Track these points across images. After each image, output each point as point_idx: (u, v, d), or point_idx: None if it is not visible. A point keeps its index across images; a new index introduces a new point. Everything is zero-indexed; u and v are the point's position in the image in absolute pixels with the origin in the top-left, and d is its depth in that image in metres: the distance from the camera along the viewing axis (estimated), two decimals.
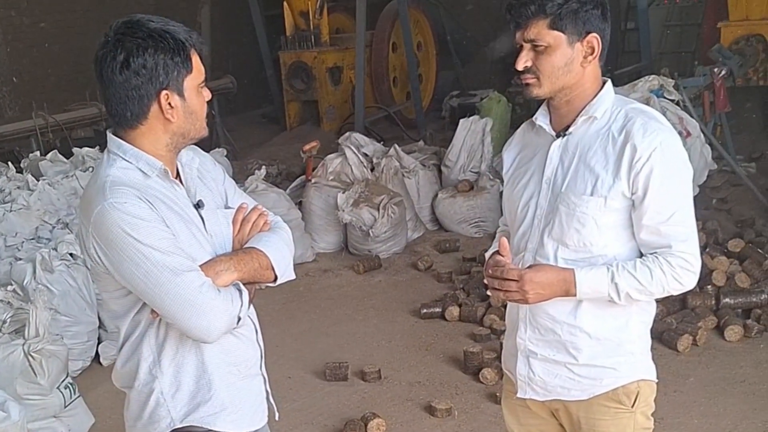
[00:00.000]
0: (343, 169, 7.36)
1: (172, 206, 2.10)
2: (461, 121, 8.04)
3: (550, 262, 2.30)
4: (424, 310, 5.76)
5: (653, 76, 7.48)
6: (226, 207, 2.31)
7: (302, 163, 8.08)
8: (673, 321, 5.10)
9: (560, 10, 2.18)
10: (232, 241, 2.25)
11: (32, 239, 5.87)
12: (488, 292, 2.40)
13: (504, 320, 2.72)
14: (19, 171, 7.20)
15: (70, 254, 5.27)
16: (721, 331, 5.03)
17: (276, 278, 2.23)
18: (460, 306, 5.67)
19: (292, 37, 11.26)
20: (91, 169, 6.83)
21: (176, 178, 2.19)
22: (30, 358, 4.09)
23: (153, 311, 2.10)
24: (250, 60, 12.77)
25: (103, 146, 2.19)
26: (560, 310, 2.31)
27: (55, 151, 7.56)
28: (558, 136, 2.33)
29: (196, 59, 2.11)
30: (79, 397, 4.36)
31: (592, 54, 2.24)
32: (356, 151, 7.48)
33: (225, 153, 8.55)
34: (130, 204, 2.00)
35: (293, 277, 2.31)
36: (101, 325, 5.34)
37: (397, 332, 5.59)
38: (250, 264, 2.17)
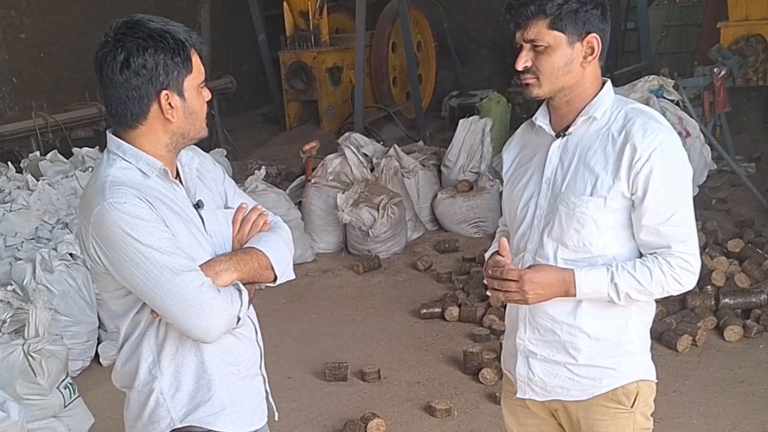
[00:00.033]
0: (343, 169, 7.36)
1: (171, 206, 2.10)
2: (461, 121, 8.04)
3: (550, 262, 2.30)
4: (424, 311, 5.77)
5: (653, 76, 7.47)
6: (226, 207, 2.31)
7: (302, 163, 8.07)
8: (672, 321, 5.10)
9: (560, 10, 2.19)
10: (232, 241, 2.25)
11: (32, 239, 5.87)
12: (488, 293, 2.39)
13: (503, 320, 2.72)
14: (19, 171, 7.20)
15: (70, 254, 5.27)
16: (721, 332, 5.03)
17: (276, 278, 2.23)
18: (459, 306, 5.67)
19: (292, 37, 11.25)
20: (90, 169, 6.83)
21: (176, 178, 2.19)
22: (30, 358, 4.09)
23: (153, 311, 2.10)
24: (250, 60, 12.77)
25: (102, 146, 2.19)
26: (560, 310, 2.31)
27: (55, 151, 7.56)
28: (558, 136, 2.33)
29: (196, 59, 2.11)
30: (78, 397, 4.36)
31: (591, 54, 2.24)
32: (356, 151, 7.48)
33: (225, 153, 8.54)
34: (129, 204, 2.00)
35: (293, 277, 2.31)
36: (101, 325, 5.34)
37: (396, 332, 5.59)
38: (250, 264, 2.17)
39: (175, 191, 2.15)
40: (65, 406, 4.25)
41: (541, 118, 2.38)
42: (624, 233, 2.27)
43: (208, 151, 2.63)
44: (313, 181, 7.33)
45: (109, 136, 2.15)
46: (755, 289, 5.37)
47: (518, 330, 2.42)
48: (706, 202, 7.23)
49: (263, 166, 8.06)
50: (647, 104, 5.66)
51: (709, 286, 5.38)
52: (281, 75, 11.47)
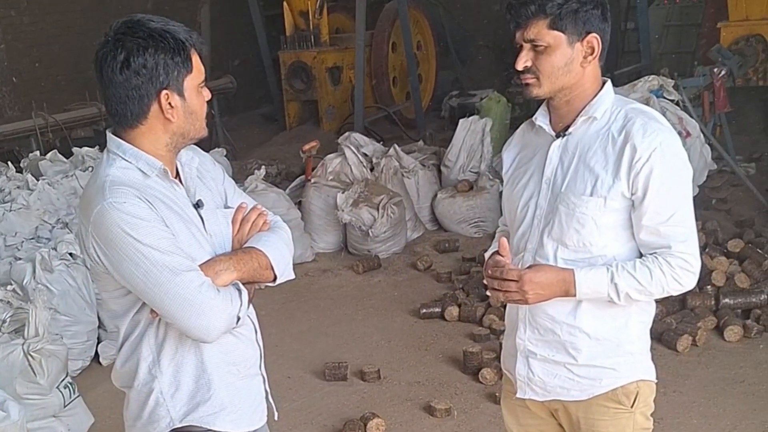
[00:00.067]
0: (343, 169, 7.36)
1: (171, 206, 2.10)
2: (461, 121, 8.04)
3: (550, 262, 2.30)
4: (424, 310, 5.76)
5: (653, 76, 7.47)
6: (226, 207, 2.31)
7: (302, 162, 8.07)
8: (672, 321, 5.10)
9: (560, 10, 2.18)
10: (232, 241, 2.25)
11: (32, 239, 5.87)
12: (488, 293, 2.39)
13: (503, 320, 2.72)
14: (19, 171, 7.20)
15: (70, 254, 5.27)
16: (721, 332, 5.03)
17: (275, 278, 2.23)
18: (459, 306, 5.67)
19: (292, 37, 11.25)
20: (90, 168, 6.83)
21: (176, 177, 2.19)
22: (29, 357, 4.08)
23: (152, 311, 2.10)
24: (250, 60, 12.77)
25: (102, 146, 2.19)
26: (560, 310, 2.31)
27: (55, 150, 7.56)
28: (558, 136, 2.33)
29: (196, 59, 2.11)
30: (78, 396, 4.36)
31: (591, 54, 2.24)
32: (356, 151, 7.48)
33: (225, 153, 8.54)
34: (129, 204, 2.00)
35: (293, 276, 2.31)
36: (101, 325, 5.34)
37: (396, 332, 5.59)
38: (250, 264, 2.17)
39: (174, 191, 2.15)
40: (65, 406, 4.25)
41: (541, 118, 2.38)
42: (624, 233, 2.27)
43: (208, 151, 2.64)
44: (312, 180, 7.33)
45: (109, 135, 2.15)
46: (755, 289, 5.37)
47: (518, 330, 2.42)
48: (706, 202, 7.23)
49: (263, 166, 8.06)
50: (647, 104, 5.66)
51: (709, 286, 5.38)
52: (281, 75, 11.47)
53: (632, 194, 2.21)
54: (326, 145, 8.53)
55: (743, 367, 4.72)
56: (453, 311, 5.63)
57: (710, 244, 5.92)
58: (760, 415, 4.23)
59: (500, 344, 3.68)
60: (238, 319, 2.14)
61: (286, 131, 11.53)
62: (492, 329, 5.32)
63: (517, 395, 2.48)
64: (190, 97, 2.11)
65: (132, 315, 2.16)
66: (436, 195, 7.61)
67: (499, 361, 2.92)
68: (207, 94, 2.17)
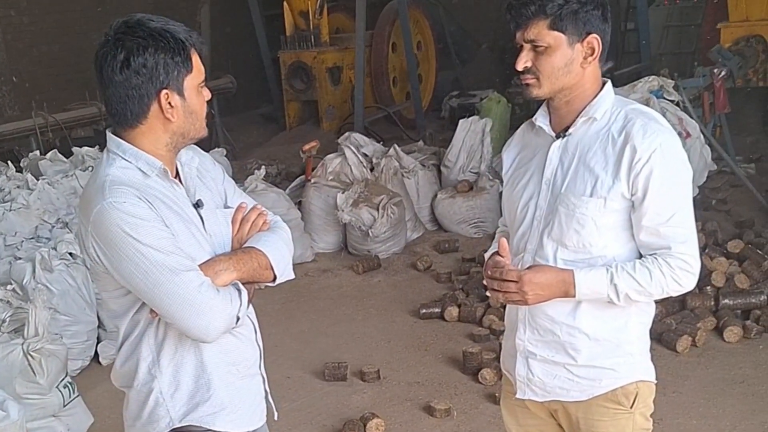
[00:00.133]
0: (343, 169, 7.36)
1: (171, 206, 2.10)
2: (461, 121, 8.04)
3: (550, 263, 2.30)
4: (423, 311, 5.76)
5: (653, 76, 7.47)
6: (226, 206, 2.31)
7: (302, 163, 8.08)
8: (672, 322, 5.10)
9: (560, 10, 2.18)
10: (232, 241, 2.25)
11: (32, 238, 5.87)
12: (487, 293, 2.39)
13: (503, 321, 2.72)
14: (19, 170, 7.21)
15: (70, 253, 5.27)
16: (721, 332, 5.03)
17: (275, 278, 2.23)
18: (459, 306, 5.67)
19: (292, 37, 11.26)
20: (90, 168, 6.84)
21: (176, 177, 2.19)
22: (29, 357, 4.08)
23: (152, 311, 2.10)
24: (250, 60, 12.77)
25: (102, 146, 2.19)
26: (559, 311, 2.31)
27: (55, 150, 7.57)
28: (558, 136, 2.33)
29: (196, 59, 2.11)
30: (78, 396, 4.36)
31: (592, 55, 2.24)
32: (356, 151, 7.48)
33: (224, 153, 8.55)
34: (129, 203, 2.00)
35: (292, 276, 2.31)
36: (100, 325, 5.34)
37: (396, 332, 5.59)
38: (250, 264, 2.17)
39: (174, 191, 2.15)
40: (64, 406, 4.25)
41: (541, 119, 2.37)
42: (624, 234, 2.27)
43: (208, 151, 2.64)
44: (312, 180, 7.33)
45: (109, 135, 2.15)
46: (755, 289, 5.37)
47: (518, 330, 2.42)
48: (706, 202, 7.23)
49: (263, 166, 8.06)
50: (647, 105, 5.67)
51: (708, 287, 5.38)
52: (281, 75, 11.47)
53: (632, 195, 2.21)
54: (326, 145, 8.54)
55: (743, 367, 4.72)
56: (453, 311, 5.63)
57: (710, 244, 5.92)
58: (760, 415, 4.23)
59: (500, 345, 3.68)
60: (238, 319, 2.14)
61: (286, 131, 11.54)
62: (492, 330, 5.32)
63: (517, 396, 2.48)
64: (190, 97, 2.10)
65: (131, 315, 2.16)
66: (436, 195, 7.62)
67: (499, 362, 2.92)
68: (207, 94, 2.17)
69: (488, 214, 7.24)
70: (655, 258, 2.22)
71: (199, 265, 2.08)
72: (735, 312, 5.26)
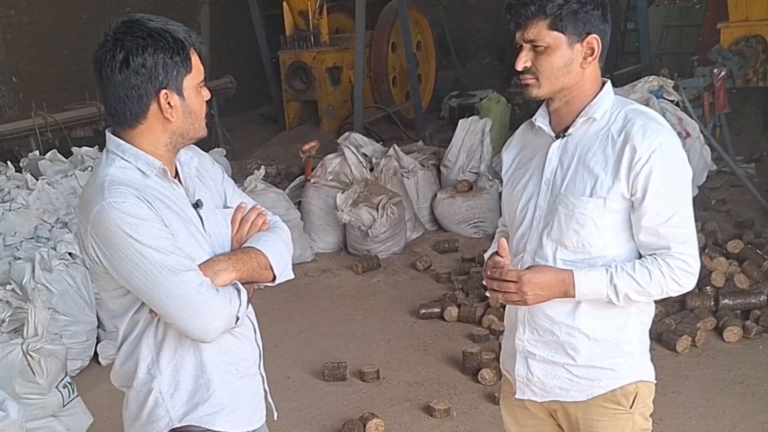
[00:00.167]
0: (342, 169, 7.36)
1: (170, 206, 2.10)
2: (460, 121, 8.04)
3: (549, 263, 2.30)
4: (423, 311, 5.76)
5: (653, 76, 7.48)
6: (225, 206, 2.31)
7: (301, 163, 8.07)
8: (672, 322, 5.10)
9: (560, 10, 2.18)
10: (231, 241, 2.25)
11: (31, 238, 5.87)
12: (487, 293, 2.39)
13: (503, 321, 2.72)
14: (19, 170, 7.21)
15: (69, 253, 5.27)
16: (720, 332, 5.03)
17: (275, 278, 2.23)
18: (458, 306, 5.67)
19: (292, 37, 11.26)
20: (90, 168, 6.84)
21: (175, 177, 2.19)
22: (29, 357, 4.08)
23: (151, 311, 2.10)
24: (250, 60, 12.77)
25: (102, 146, 2.19)
26: (559, 311, 2.31)
27: (55, 150, 7.57)
28: (557, 137, 2.33)
29: (195, 59, 2.11)
30: (77, 396, 4.36)
31: (591, 55, 2.24)
32: (355, 151, 7.48)
33: (224, 153, 8.54)
34: (128, 203, 2.00)
35: (292, 276, 2.31)
36: (100, 325, 5.34)
37: (395, 332, 5.59)
38: (249, 264, 2.17)
39: (174, 191, 2.15)
40: (64, 406, 4.25)
41: (540, 119, 2.37)
42: (623, 234, 2.27)
43: (207, 151, 2.63)
44: (312, 180, 7.33)
45: (108, 135, 2.15)
46: (755, 290, 5.37)
47: (517, 331, 2.42)
48: (706, 202, 7.23)
49: (262, 166, 8.06)
50: (647, 105, 5.67)
51: (708, 287, 5.38)
52: (281, 75, 11.47)
53: (632, 195, 2.21)
54: (326, 145, 8.53)
55: (742, 367, 4.72)
56: (452, 311, 5.63)
57: (710, 244, 5.92)
58: (760, 415, 4.23)
59: (499, 345, 3.68)
60: (237, 319, 2.13)
61: (286, 131, 11.53)
62: (491, 330, 5.32)
63: (516, 396, 2.48)
64: (189, 97, 2.10)
65: (131, 315, 2.16)
66: (435, 195, 7.61)
67: (499, 362, 2.92)
68: (206, 94, 2.17)
69: (488, 214, 7.24)
70: (655, 258, 2.22)
71: (199, 265, 2.08)
72: (735, 312, 5.26)
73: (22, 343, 4.12)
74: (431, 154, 8.23)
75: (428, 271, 6.64)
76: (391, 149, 7.79)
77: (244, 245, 2.23)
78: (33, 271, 5.01)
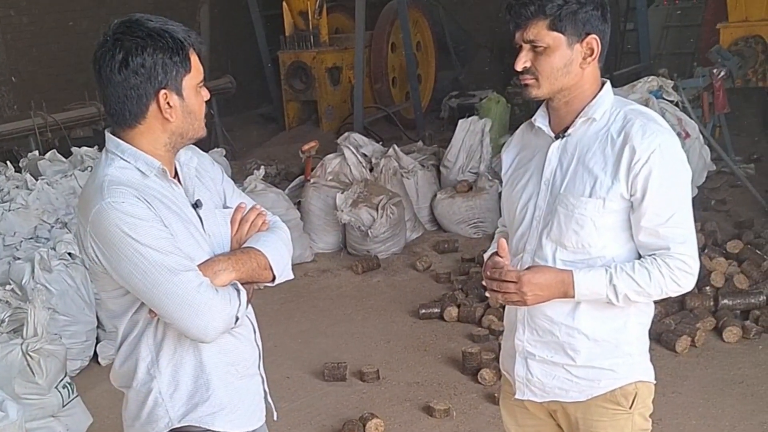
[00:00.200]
0: (342, 169, 7.36)
1: (170, 206, 2.10)
2: (460, 121, 8.04)
3: (549, 263, 2.30)
4: (423, 311, 5.76)
5: (652, 77, 7.48)
6: (225, 207, 2.31)
7: (301, 163, 8.07)
8: (671, 322, 5.10)
9: (560, 11, 2.18)
10: (231, 241, 2.25)
11: (31, 239, 5.87)
12: (486, 293, 2.39)
13: (502, 321, 2.72)
14: (18, 170, 7.20)
15: (69, 254, 5.27)
16: (720, 333, 5.03)
17: (274, 278, 2.23)
18: (458, 306, 5.67)
19: (291, 37, 11.25)
20: (89, 168, 6.83)
21: (174, 177, 2.19)
22: (28, 357, 4.08)
23: (151, 311, 2.10)
24: (250, 60, 12.77)
25: (101, 146, 2.19)
26: (558, 311, 2.31)
27: (54, 150, 7.57)
28: (557, 137, 2.33)
29: (194, 59, 2.11)
30: (77, 396, 4.36)
31: (591, 55, 2.24)
32: (355, 152, 7.48)
33: (224, 153, 8.55)
34: (128, 203, 2.00)
35: (291, 277, 2.31)
36: (99, 325, 5.34)
37: (395, 333, 5.59)
38: (249, 264, 2.17)
39: (173, 191, 2.15)
40: (64, 406, 4.25)
41: (540, 119, 2.37)
42: (623, 234, 2.27)
43: (207, 151, 2.63)
44: (312, 181, 7.33)
45: (108, 135, 2.15)
46: (754, 290, 5.37)
47: (517, 331, 2.42)
48: (705, 203, 7.23)
49: (262, 166, 8.06)
50: (646, 105, 5.67)
51: (708, 287, 5.38)
52: (281, 75, 11.47)
53: (631, 195, 2.21)
54: (325, 146, 8.53)
55: (742, 367, 4.72)
56: (452, 312, 5.63)
57: (709, 245, 5.92)
58: (759, 416, 4.23)
59: (499, 345, 3.68)
60: (237, 319, 2.13)
61: (286, 131, 11.53)
62: (491, 330, 5.32)
63: (516, 396, 2.48)
64: (188, 97, 2.10)
65: (130, 315, 2.16)
66: (435, 195, 7.61)
67: (498, 362, 2.92)
68: (206, 94, 2.17)
69: (487, 215, 7.24)
70: (654, 258, 2.22)
71: (198, 266, 2.08)
72: (734, 312, 5.26)
73: (21, 344, 4.12)
74: (431, 154, 8.23)
75: (428, 271, 6.64)
76: (391, 149, 7.78)
77: (244, 245, 2.23)
78: (32, 271, 5.01)
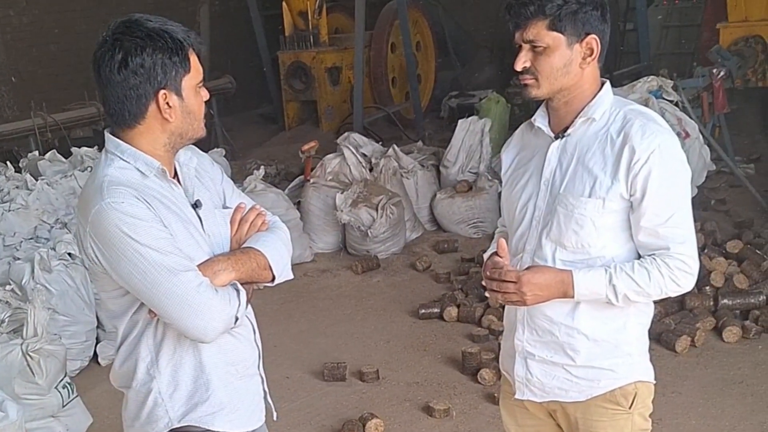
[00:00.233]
0: (342, 169, 7.36)
1: (169, 206, 2.10)
2: (460, 121, 8.04)
3: (548, 263, 2.30)
4: (423, 311, 5.76)
5: (652, 77, 7.47)
6: (224, 207, 2.31)
7: (301, 163, 8.07)
8: (671, 322, 5.10)
9: (559, 11, 2.18)
10: (230, 241, 2.25)
11: (31, 239, 5.87)
12: (486, 294, 2.39)
13: (502, 321, 2.72)
14: (18, 170, 7.20)
15: (69, 254, 5.27)
16: (720, 332, 5.03)
17: (274, 278, 2.23)
18: (458, 306, 5.66)
19: (291, 37, 11.25)
20: (89, 168, 6.83)
21: (174, 177, 2.19)
22: (28, 357, 4.08)
23: (150, 311, 2.10)
24: (249, 60, 12.77)
25: (101, 146, 2.19)
26: (558, 311, 2.31)
27: (54, 150, 7.57)
28: (556, 137, 2.33)
29: (194, 59, 2.11)
30: (77, 396, 4.36)
31: (591, 55, 2.24)
32: (355, 152, 7.48)
33: (223, 153, 8.54)
34: (127, 204, 2.00)
35: (291, 277, 2.31)
36: (99, 325, 5.33)
37: (395, 333, 5.59)
38: (248, 264, 2.17)
39: (173, 191, 2.15)
40: (63, 406, 4.25)
41: (540, 119, 2.37)
42: (622, 234, 2.27)
43: (206, 151, 2.63)
44: (311, 181, 7.33)
45: (107, 135, 2.15)
46: (754, 290, 5.37)
47: (516, 331, 2.42)
48: (705, 203, 7.23)
49: (262, 166, 8.06)
50: (646, 105, 5.68)
51: (707, 287, 5.38)
52: (280, 75, 11.47)
53: (631, 195, 2.21)
54: (325, 146, 8.53)
55: (742, 367, 4.72)
56: (452, 312, 5.62)
57: (709, 244, 5.92)
58: (759, 415, 4.23)
59: (499, 345, 3.68)
60: (237, 319, 2.13)
61: (285, 131, 11.53)
62: (491, 330, 5.32)
63: (516, 396, 2.48)
64: (188, 97, 2.10)
65: (130, 315, 2.16)
66: (435, 195, 7.61)
67: (498, 362, 2.92)
68: (205, 94, 2.16)
69: (487, 215, 7.24)
70: (654, 259, 2.22)
71: (198, 266, 2.08)
72: (734, 312, 5.26)
73: (21, 344, 4.12)
74: (431, 154, 8.23)
75: (428, 271, 6.64)
76: (391, 149, 7.78)
77: (244, 245, 2.23)
78: (32, 271, 5.00)
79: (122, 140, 2.11)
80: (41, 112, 8.59)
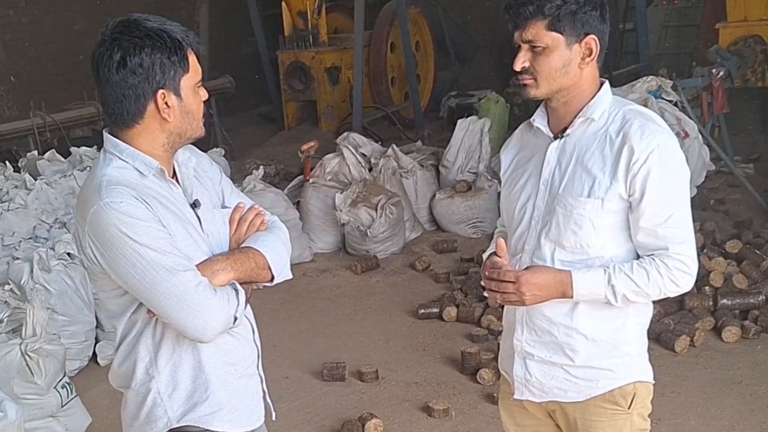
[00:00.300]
0: (341, 169, 7.36)
1: (168, 206, 2.10)
2: (459, 121, 8.04)
3: (547, 263, 2.30)
4: (422, 311, 5.76)
5: (651, 77, 7.48)
6: (223, 206, 2.31)
7: (300, 163, 8.07)
8: (670, 322, 5.10)
9: (558, 11, 2.18)
10: (229, 241, 2.25)
11: (30, 239, 5.86)
12: (485, 294, 2.39)
13: (501, 321, 2.72)
14: (17, 170, 7.20)
15: (68, 254, 5.27)
16: (719, 332, 5.03)
17: (273, 278, 2.23)
18: (457, 306, 5.66)
19: (291, 37, 11.25)
20: (88, 168, 6.83)
21: (173, 177, 2.19)
22: (27, 357, 4.08)
23: (149, 311, 2.10)
24: (249, 60, 12.77)
25: (100, 146, 2.19)
26: (557, 311, 2.31)
27: (53, 150, 7.57)
28: (556, 137, 2.33)
29: (192, 58, 2.10)
30: (76, 396, 4.36)
31: (590, 55, 2.24)
32: (354, 151, 7.48)
33: (223, 153, 8.54)
34: (126, 203, 2.00)
35: (290, 277, 2.31)
36: (98, 325, 5.33)
37: (394, 332, 5.59)
38: (247, 264, 2.17)
39: (171, 191, 2.15)
40: (62, 406, 4.25)
41: (539, 120, 2.37)
42: (621, 235, 2.27)
43: (206, 151, 2.63)
44: (311, 181, 7.33)
45: (106, 135, 2.15)
46: (753, 290, 5.37)
47: (515, 331, 2.42)
48: (705, 203, 7.23)
49: (261, 166, 8.05)
50: (645, 105, 5.68)
51: (707, 287, 5.38)
52: (280, 75, 11.47)
53: (630, 196, 2.20)
54: (325, 145, 8.53)
55: (741, 367, 4.72)
56: (451, 312, 5.62)
57: (708, 244, 5.92)
58: (758, 415, 4.23)
59: (498, 345, 3.68)
60: (235, 319, 2.13)
61: (285, 131, 11.53)
62: (490, 330, 5.32)
63: (515, 396, 2.48)
64: (186, 97, 2.10)
65: (129, 315, 2.16)
66: (434, 195, 7.61)
67: (497, 362, 2.92)
68: (204, 94, 2.16)
69: (486, 214, 7.24)
70: (653, 259, 2.22)
71: (197, 265, 2.08)
72: (733, 312, 5.26)
73: (20, 344, 4.11)
74: (430, 154, 8.23)
75: (427, 271, 6.64)
76: (390, 149, 7.78)
77: (242, 245, 2.23)
78: (31, 271, 5.00)
79: (121, 140, 2.11)
80: (40, 112, 8.59)
